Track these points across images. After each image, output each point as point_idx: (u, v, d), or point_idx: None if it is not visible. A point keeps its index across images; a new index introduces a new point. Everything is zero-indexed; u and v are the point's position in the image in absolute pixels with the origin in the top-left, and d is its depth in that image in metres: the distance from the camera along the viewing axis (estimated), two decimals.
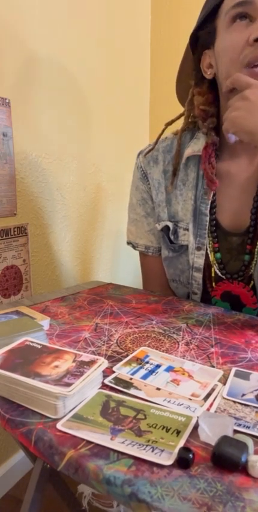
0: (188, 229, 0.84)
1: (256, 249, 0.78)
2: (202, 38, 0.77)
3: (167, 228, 0.87)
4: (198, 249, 0.83)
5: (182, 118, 0.87)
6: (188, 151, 0.83)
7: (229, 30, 0.70)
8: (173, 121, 0.88)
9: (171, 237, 0.87)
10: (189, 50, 0.81)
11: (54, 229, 1.34)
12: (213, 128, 0.80)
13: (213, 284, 0.84)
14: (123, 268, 1.77)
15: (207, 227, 0.82)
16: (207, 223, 0.82)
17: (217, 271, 0.82)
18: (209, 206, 0.81)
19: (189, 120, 0.86)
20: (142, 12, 1.74)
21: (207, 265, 0.83)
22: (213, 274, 0.83)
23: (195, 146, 0.82)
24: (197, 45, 0.79)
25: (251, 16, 0.67)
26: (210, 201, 0.81)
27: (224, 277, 0.82)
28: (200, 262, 0.83)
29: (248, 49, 0.67)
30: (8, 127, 1.12)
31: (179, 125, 0.88)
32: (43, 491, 0.64)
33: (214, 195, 0.82)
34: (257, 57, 0.67)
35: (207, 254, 0.83)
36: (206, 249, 0.82)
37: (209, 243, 0.82)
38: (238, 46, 0.68)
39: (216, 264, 0.82)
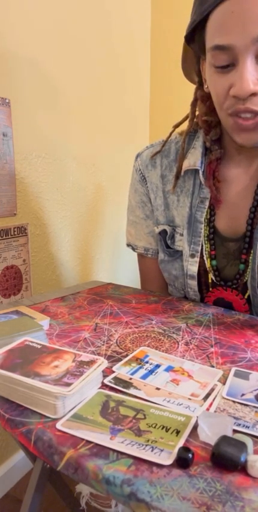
0: (183, 235, 0.85)
1: (250, 258, 0.78)
2: (195, 48, 0.75)
3: (164, 231, 0.87)
4: (192, 256, 0.83)
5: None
6: (185, 164, 0.82)
7: (212, 71, 0.69)
8: (180, 123, 0.87)
9: (168, 242, 0.87)
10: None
11: (54, 229, 1.35)
12: (217, 138, 0.80)
13: (210, 288, 0.84)
14: (123, 268, 1.77)
15: (202, 234, 0.82)
16: (202, 230, 0.82)
17: (213, 278, 0.82)
18: (204, 214, 0.82)
19: (195, 120, 0.85)
20: (142, 11, 1.74)
21: (204, 271, 0.83)
22: (209, 281, 0.83)
23: (191, 158, 0.82)
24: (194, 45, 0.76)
25: (233, 60, 0.65)
26: (206, 210, 0.81)
27: (218, 283, 0.82)
28: (193, 269, 0.83)
29: (229, 99, 0.67)
30: (8, 127, 1.12)
31: (184, 125, 0.88)
32: (43, 491, 0.64)
33: (211, 201, 0.82)
34: (238, 110, 0.67)
35: (203, 260, 0.83)
36: (202, 255, 0.82)
37: (206, 250, 0.82)
38: (221, 95, 0.68)
39: (212, 271, 0.82)
